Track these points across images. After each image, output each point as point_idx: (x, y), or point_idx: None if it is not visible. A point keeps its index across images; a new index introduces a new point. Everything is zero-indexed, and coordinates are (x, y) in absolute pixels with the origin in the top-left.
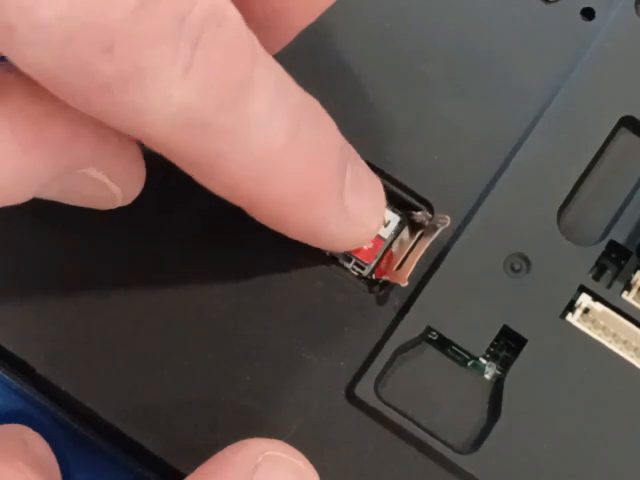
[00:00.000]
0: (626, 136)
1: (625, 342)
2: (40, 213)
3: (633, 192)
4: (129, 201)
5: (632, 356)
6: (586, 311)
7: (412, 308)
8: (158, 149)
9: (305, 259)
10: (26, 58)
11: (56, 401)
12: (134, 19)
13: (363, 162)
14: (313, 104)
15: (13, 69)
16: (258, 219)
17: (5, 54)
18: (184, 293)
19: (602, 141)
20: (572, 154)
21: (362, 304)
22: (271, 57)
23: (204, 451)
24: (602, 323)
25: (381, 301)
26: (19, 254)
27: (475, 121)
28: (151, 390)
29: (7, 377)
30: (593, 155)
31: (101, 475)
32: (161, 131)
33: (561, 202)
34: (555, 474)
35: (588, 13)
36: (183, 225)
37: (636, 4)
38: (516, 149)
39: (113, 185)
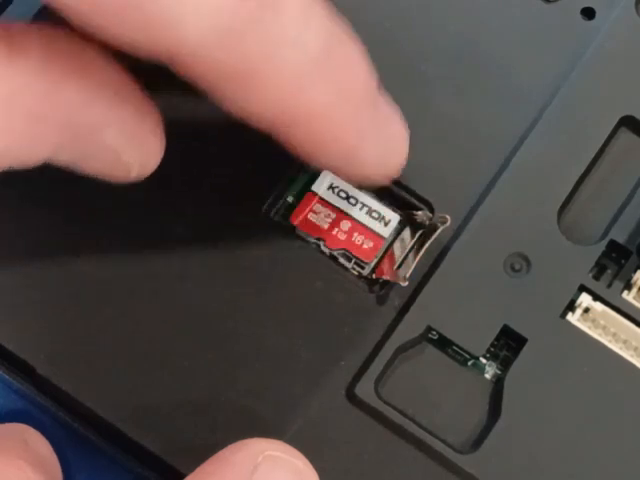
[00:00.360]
0: (626, 136)
1: (625, 342)
2: (40, 211)
3: (633, 192)
4: (145, 175)
5: (632, 355)
6: (586, 311)
7: (412, 308)
8: (192, 66)
9: (305, 259)
10: None
11: (56, 401)
12: None
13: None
14: (342, 24)
15: (34, 29)
16: (292, 144)
17: None
18: (184, 293)
19: (602, 141)
20: (572, 154)
21: (362, 304)
22: None
23: (204, 451)
24: (602, 323)
25: (381, 301)
26: (19, 253)
27: (475, 121)
28: (151, 390)
29: (7, 377)
30: (593, 155)
31: (101, 475)
32: (194, 42)
33: (561, 202)
34: (555, 474)
35: (588, 13)
36: (184, 225)
37: (636, 4)
38: (516, 149)
39: (127, 155)
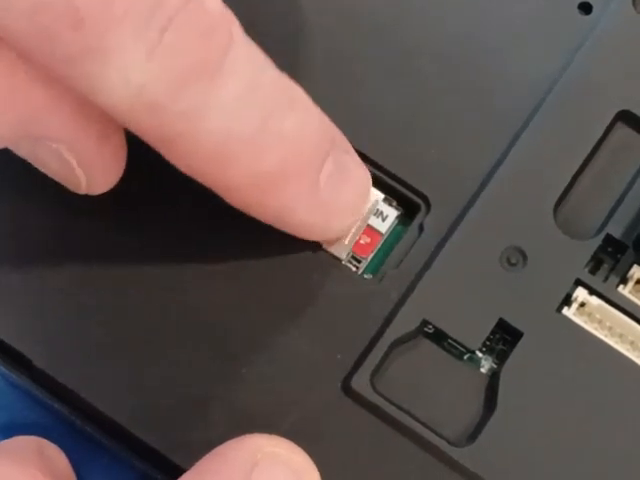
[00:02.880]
0: (623, 130)
1: (621, 336)
2: (40, 208)
3: (629, 186)
4: (96, 192)
5: (628, 350)
6: (582, 305)
7: (408, 301)
8: (121, 124)
9: (302, 252)
10: None
11: (54, 394)
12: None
13: (353, 152)
14: (293, 93)
15: None
16: (224, 198)
17: None
18: (183, 289)
19: (599, 135)
20: (569, 148)
21: (358, 298)
22: (252, 44)
23: (203, 446)
24: (598, 317)
25: (378, 294)
26: (18, 248)
27: (472, 115)
28: (149, 385)
29: (5, 370)
30: (590, 149)
31: (104, 472)
32: (120, 108)
33: (558, 196)
34: (550, 467)
35: (585, 7)
36: (181, 223)
37: None
38: (513, 143)
39: (80, 171)
